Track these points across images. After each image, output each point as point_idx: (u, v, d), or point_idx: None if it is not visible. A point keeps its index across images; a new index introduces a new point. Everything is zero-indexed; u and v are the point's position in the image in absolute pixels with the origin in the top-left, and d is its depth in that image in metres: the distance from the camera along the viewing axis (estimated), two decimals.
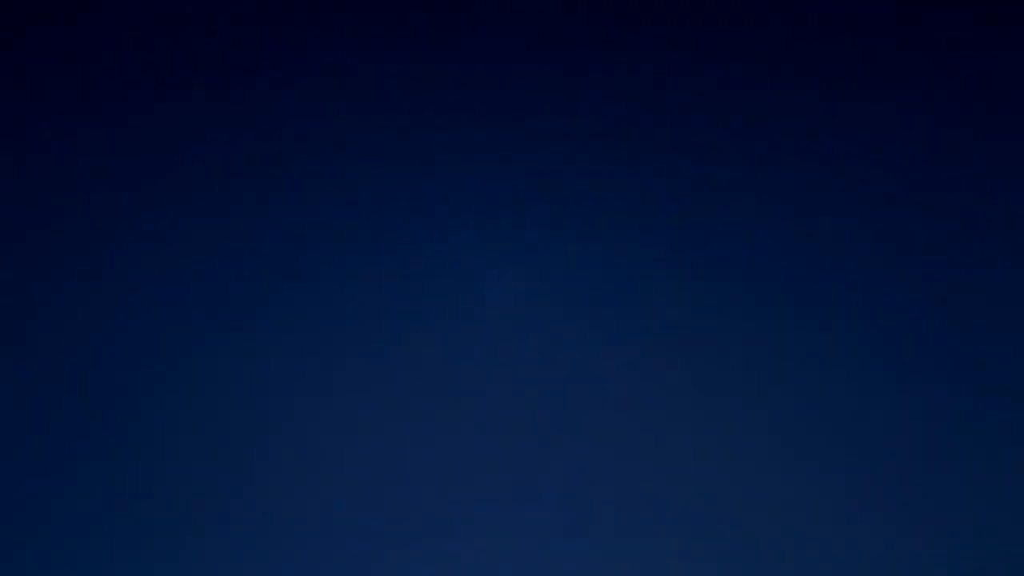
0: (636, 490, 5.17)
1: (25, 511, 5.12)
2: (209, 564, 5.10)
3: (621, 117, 5.45)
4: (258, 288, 5.36)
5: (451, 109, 5.48)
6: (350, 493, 5.19)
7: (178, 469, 5.20)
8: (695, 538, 5.11)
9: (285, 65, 5.49)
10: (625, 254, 5.36)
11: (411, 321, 5.33)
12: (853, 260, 5.31)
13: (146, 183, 5.42)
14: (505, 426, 5.25)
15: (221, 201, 5.42)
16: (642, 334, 5.30)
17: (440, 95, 5.48)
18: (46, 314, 5.32)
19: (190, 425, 5.24)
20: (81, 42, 5.46)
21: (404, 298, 5.35)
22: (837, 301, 5.29)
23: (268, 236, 5.39)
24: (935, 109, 5.39)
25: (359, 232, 5.40)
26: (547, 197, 5.41)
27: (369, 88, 5.49)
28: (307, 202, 5.43)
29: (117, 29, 5.48)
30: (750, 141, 5.40)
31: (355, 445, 5.24)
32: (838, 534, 5.08)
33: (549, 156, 5.43)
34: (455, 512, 5.18)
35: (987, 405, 5.15)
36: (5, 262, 5.34)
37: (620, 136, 5.43)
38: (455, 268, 5.37)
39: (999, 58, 5.34)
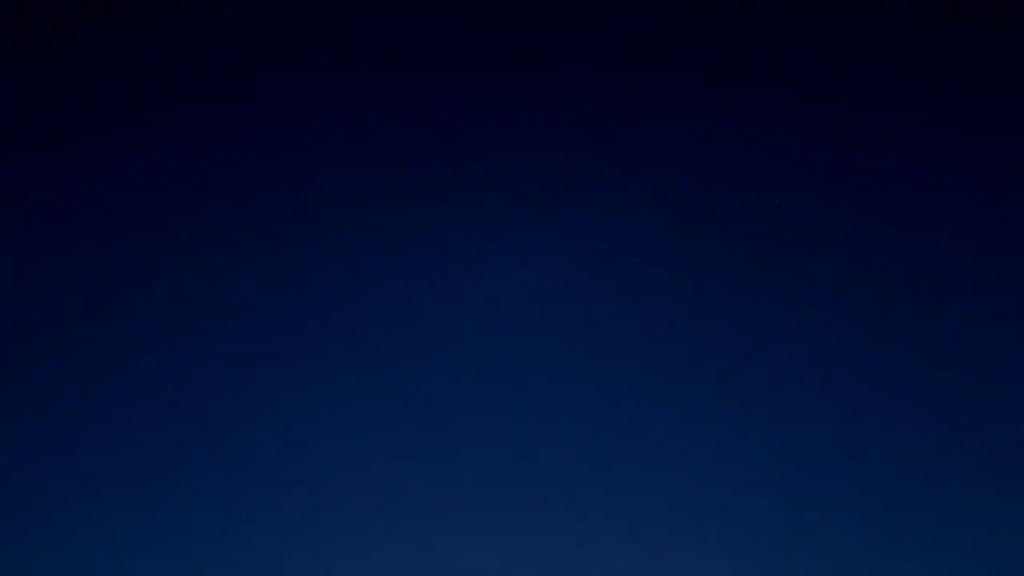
0: (636, 490, 5.20)
1: (27, 512, 5.14)
2: (215, 565, 5.13)
3: (620, 120, 5.48)
4: (259, 289, 5.37)
5: (451, 114, 5.51)
6: (350, 493, 5.21)
7: (178, 471, 5.23)
8: (695, 538, 5.14)
9: (291, 65, 5.52)
10: (625, 256, 5.39)
11: (411, 321, 5.36)
12: (850, 264, 5.35)
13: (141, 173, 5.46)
14: (505, 426, 5.28)
15: (223, 195, 5.46)
16: (642, 335, 5.34)
17: (440, 102, 5.51)
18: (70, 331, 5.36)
19: (190, 425, 5.26)
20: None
21: (403, 299, 5.38)
22: (835, 302, 5.33)
23: (269, 237, 5.41)
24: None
25: (360, 233, 5.43)
26: (547, 200, 5.44)
27: (369, 94, 5.52)
28: (307, 201, 5.45)
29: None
30: (745, 143, 5.44)
31: (356, 445, 5.27)
32: (836, 536, 5.12)
33: (549, 158, 5.47)
34: (454, 513, 5.21)
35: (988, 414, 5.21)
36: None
37: (620, 138, 5.47)
38: (455, 268, 5.40)
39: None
